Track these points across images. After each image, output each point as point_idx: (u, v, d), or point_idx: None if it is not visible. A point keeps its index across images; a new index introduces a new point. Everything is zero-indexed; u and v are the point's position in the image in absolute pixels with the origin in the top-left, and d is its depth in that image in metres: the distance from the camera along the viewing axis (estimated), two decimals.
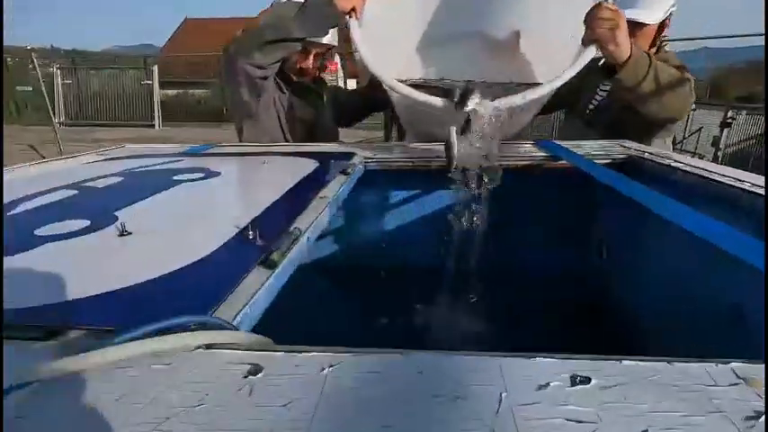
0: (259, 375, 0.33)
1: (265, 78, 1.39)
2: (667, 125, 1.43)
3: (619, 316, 1.13)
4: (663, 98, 1.19)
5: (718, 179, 0.89)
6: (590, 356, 0.33)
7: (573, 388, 0.30)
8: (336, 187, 0.87)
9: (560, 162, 1.14)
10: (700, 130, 6.84)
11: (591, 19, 1.04)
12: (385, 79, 1.07)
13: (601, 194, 1.25)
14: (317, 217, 0.68)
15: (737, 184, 0.85)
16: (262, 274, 0.48)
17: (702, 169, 0.97)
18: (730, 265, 0.73)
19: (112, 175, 0.96)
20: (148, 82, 11.02)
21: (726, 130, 6.04)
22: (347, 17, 1.18)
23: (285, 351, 0.35)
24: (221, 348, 0.36)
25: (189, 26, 18.82)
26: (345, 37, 1.24)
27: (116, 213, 0.67)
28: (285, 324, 0.50)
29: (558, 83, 1.03)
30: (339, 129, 1.77)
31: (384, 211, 1.35)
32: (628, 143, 1.35)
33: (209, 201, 0.80)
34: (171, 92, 12.97)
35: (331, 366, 0.33)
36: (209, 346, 0.36)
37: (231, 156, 1.23)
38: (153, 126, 10.84)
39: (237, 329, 0.39)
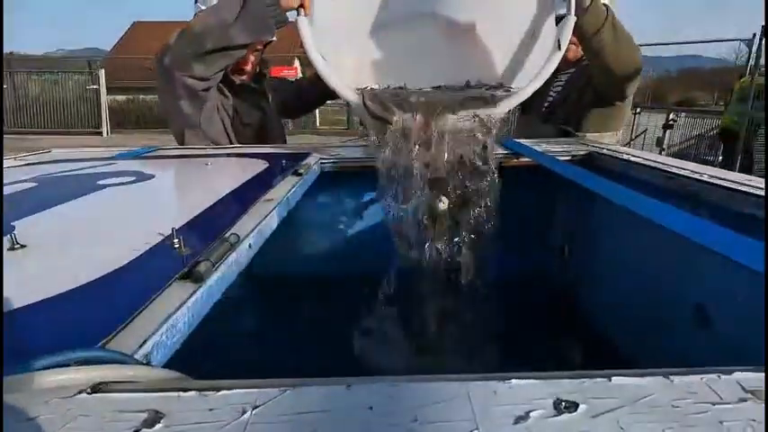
0: (158, 426, 0.25)
1: (208, 89, 1.27)
2: (620, 106, 1.46)
3: (584, 317, 1.12)
4: (620, 48, 1.23)
5: (675, 171, 0.89)
6: (573, 374, 0.27)
7: (558, 417, 0.24)
8: (286, 189, 0.79)
9: (523, 159, 1.12)
10: (645, 132, 7.27)
11: None
12: (340, 90, 1.00)
13: (563, 192, 1.24)
14: (260, 222, 0.60)
15: (694, 175, 0.85)
16: (183, 291, 0.39)
17: (660, 162, 0.97)
18: (695, 265, 0.72)
19: (25, 181, 0.83)
20: (95, 87, 10.41)
21: (668, 132, 6.45)
22: (295, 14, 1.06)
23: (198, 389, 0.27)
24: (113, 391, 0.28)
25: (138, 29, 17.97)
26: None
27: (14, 224, 0.56)
28: (214, 353, 0.42)
29: (530, 90, 1.00)
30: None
31: (341, 215, 1.28)
32: (587, 140, 1.36)
33: (134, 207, 0.69)
34: (120, 98, 12.30)
35: (256, 407, 0.26)
36: (95, 389, 0.27)
37: (170, 158, 1.11)
38: (100, 133, 10.24)
39: (142, 363, 0.31)
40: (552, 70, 1.00)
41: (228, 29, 1.12)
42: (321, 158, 1.10)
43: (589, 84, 1.42)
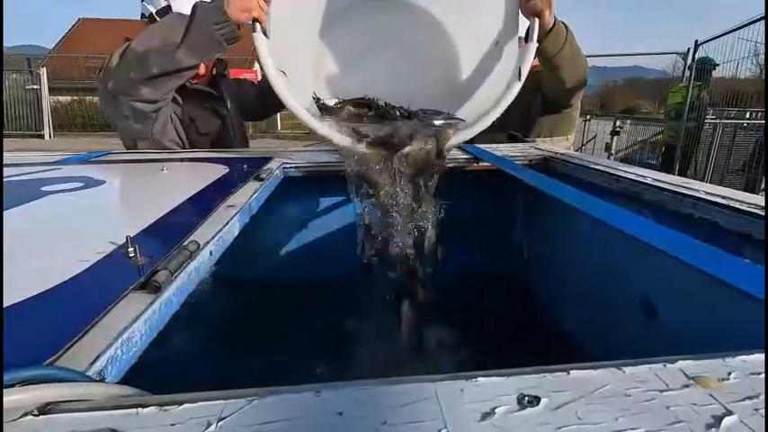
0: None
1: (159, 110, 1.20)
2: (568, 113, 1.53)
3: (542, 314, 1.16)
4: (574, 64, 1.27)
5: (621, 175, 0.95)
6: (534, 369, 0.28)
7: (522, 412, 0.25)
8: (248, 194, 0.78)
9: (482, 164, 1.15)
10: (595, 137, 7.73)
11: None
12: (301, 115, 0.95)
13: (521, 194, 1.29)
14: (221, 228, 0.59)
15: (639, 178, 0.91)
16: (139, 302, 0.38)
17: (608, 167, 1.04)
18: (642, 259, 0.77)
19: None
20: (35, 87, 9.73)
21: (615, 138, 6.89)
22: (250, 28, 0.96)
23: (158, 404, 0.26)
24: (64, 411, 0.26)
25: (84, 26, 16.98)
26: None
27: None
28: (174, 366, 0.40)
29: (487, 122, 1.00)
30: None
31: (305, 220, 1.26)
32: (541, 145, 1.42)
33: (84, 215, 0.65)
34: (64, 98, 11.56)
35: (221, 419, 0.25)
36: (43, 410, 0.26)
37: (123, 163, 1.06)
38: (42, 136, 9.58)
39: (95, 380, 0.29)
40: (511, 100, 0.99)
41: (175, 52, 1.03)
42: (284, 163, 1.09)
43: (538, 92, 1.47)
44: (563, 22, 1.20)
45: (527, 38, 1.03)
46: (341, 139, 0.93)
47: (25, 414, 0.25)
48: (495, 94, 1.02)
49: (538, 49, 1.13)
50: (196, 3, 1.04)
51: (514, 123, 1.53)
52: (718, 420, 0.24)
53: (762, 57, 5.19)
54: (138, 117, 1.16)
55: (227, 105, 1.45)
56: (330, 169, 1.11)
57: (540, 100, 1.48)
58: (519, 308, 1.20)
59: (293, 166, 1.10)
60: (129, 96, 1.09)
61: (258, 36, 0.95)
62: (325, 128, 0.94)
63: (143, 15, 1.36)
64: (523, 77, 0.99)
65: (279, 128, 11.00)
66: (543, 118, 1.51)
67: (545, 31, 1.12)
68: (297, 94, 0.96)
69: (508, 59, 1.10)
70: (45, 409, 0.26)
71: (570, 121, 1.58)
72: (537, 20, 1.03)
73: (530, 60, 0.99)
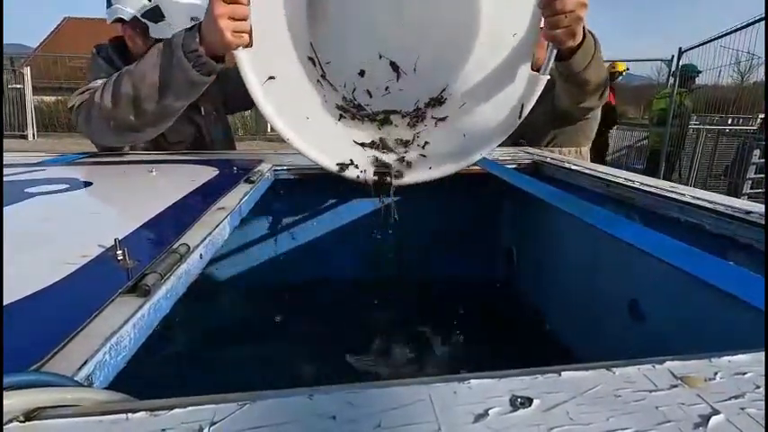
0: None
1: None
2: (585, 122, 1.44)
3: (532, 318, 1.17)
4: (597, 81, 1.12)
5: (609, 179, 0.97)
6: (526, 371, 0.29)
7: (515, 413, 0.25)
8: (239, 197, 0.77)
9: (472, 168, 1.16)
10: None
11: (549, 11, 0.81)
12: (292, 140, 0.90)
13: (510, 198, 1.30)
14: (212, 231, 0.58)
15: (627, 182, 0.92)
16: (128, 306, 0.37)
17: (597, 171, 1.05)
18: (630, 262, 0.78)
19: None
20: (18, 86, 9.55)
21: None
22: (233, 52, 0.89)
23: (148, 410, 0.26)
24: (51, 417, 0.25)
25: (68, 26, 16.71)
26: None
27: None
28: (164, 370, 0.39)
29: (477, 157, 0.96)
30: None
31: (296, 223, 1.26)
32: (530, 149, 1.43)
33: (70, 217, 0.64)
34: (49, 98, 11.33)
35: (213, 424, 0.25)
36: (30, 416, 0.25)
37: (110, 165, 1.04)
38: (25, 137, 9.39)
39: (82, 385, 0.29)
40: (501, 141, 0.92)
41: (164, 99, 1.01)
42: (274, 165, 1.08)
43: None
44: (591, 33, 0.98)
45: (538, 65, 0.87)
46: (330, 165, 0.91)
47: (11, 420, 0.25)
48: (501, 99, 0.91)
49: (563, 66, 0.99)
50: (170, 45, 0.98)
51: (519, 129, 1.43)
52: (705, 420, 0.24)
53: (742, 64, 5.33)
54: (139, 140, 1.20)
55: (202, 112, 1.40)
56: (320, 172, 1.10)
57: (551, 108, 1.33)
58: (509, 310, 1.21)
59: (284, 168, 1.10)
60: (135, 133, 1.11)
61: (239, 53, 0.86)
62: (310, 150, 0.92)
63: (120, 20, 1.30)
64: (524, 116, 0.88)
65: (269, 130, 10.93)
66: (554, 126, 1.41)
67: (570, 50, 0.93)
68: (291, 108, 0.92)
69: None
70: (31, 414, 0.25)
71: (586, 132, 1.46)
72: (555, 50, 0.86)
73: (536, 96, 0.87)
